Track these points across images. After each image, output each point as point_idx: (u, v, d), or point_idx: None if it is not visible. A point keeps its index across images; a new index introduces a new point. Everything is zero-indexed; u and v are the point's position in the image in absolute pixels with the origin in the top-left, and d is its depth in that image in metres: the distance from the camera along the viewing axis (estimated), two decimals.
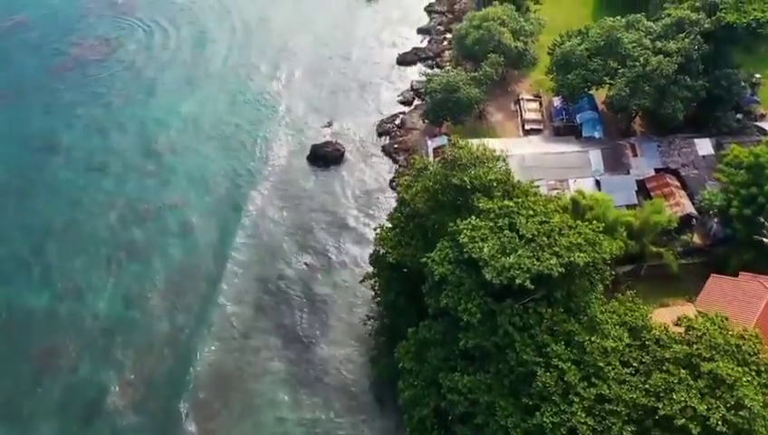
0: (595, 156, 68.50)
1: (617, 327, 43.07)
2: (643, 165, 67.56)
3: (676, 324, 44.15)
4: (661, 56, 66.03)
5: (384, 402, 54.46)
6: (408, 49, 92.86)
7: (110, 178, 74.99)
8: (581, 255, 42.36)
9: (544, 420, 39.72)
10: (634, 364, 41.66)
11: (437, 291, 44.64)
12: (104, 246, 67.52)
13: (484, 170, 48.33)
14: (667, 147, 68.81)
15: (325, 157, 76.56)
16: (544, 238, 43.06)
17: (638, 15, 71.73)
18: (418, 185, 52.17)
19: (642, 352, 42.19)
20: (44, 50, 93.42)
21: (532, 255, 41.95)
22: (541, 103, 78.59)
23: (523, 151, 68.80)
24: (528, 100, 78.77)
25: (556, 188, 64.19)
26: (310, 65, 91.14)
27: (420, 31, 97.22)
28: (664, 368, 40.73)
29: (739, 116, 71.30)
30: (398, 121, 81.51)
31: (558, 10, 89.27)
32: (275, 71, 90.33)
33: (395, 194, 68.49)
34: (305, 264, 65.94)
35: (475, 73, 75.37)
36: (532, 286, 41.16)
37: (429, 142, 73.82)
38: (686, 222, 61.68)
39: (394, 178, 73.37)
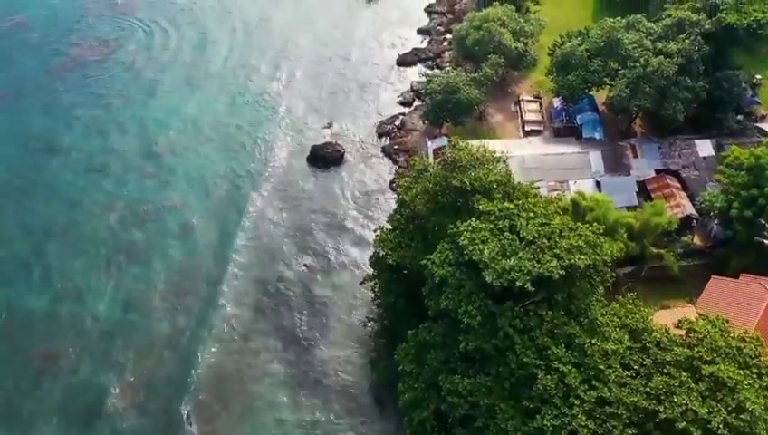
0: (595, 157, 68.44)
1: (617, 330, 42.97)
2: (643, 166, 67.49)
3: (677, 327, 44.04)
4: (662, 57, 65.97)
5: (384, 404, 54.37)
6: (408, 50, 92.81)
7: (109, 179, 74.92)
8: (582, 257, 42.34)
9: (545, 423, 39.62)
10: (635, 367, 41.54)
11: (437, 293, 44.58)
12: (104, 247, 67.44)
13: (485, 172, 48.30)
14: (668, 148, 68.75)
15: (325, 158, 76.48)
16: (545, 240, 43.01)
17: (639, 16, 71.69)
18: (418, 186, 52.11)
19: (643, 354, 42.08)
20: (44, 50, 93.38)
21: (532, 257, 41.93)
22: (541, 104, 78.52)
23: (524, 152, 68.74)
24: (528, 101, 78.71)
25: (556, 190, 64.11)
26: (310, 66, 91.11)
27: (420, 31, 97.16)
28: (665, 371, 40.58)
29: (740, 117, 71.23)
30: (397, 122, 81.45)
31: (558, 11, 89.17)
32: (275, 71, 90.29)
33: (395, 195, 68.34)
34: (305, 265, 65.87)
35: (476, 74, 75.31)
36: (533, 289, 41.10)
37: (429, 143, 73.74)
38: (686, 223, 61.62)
39: (394, 179, 73.29)
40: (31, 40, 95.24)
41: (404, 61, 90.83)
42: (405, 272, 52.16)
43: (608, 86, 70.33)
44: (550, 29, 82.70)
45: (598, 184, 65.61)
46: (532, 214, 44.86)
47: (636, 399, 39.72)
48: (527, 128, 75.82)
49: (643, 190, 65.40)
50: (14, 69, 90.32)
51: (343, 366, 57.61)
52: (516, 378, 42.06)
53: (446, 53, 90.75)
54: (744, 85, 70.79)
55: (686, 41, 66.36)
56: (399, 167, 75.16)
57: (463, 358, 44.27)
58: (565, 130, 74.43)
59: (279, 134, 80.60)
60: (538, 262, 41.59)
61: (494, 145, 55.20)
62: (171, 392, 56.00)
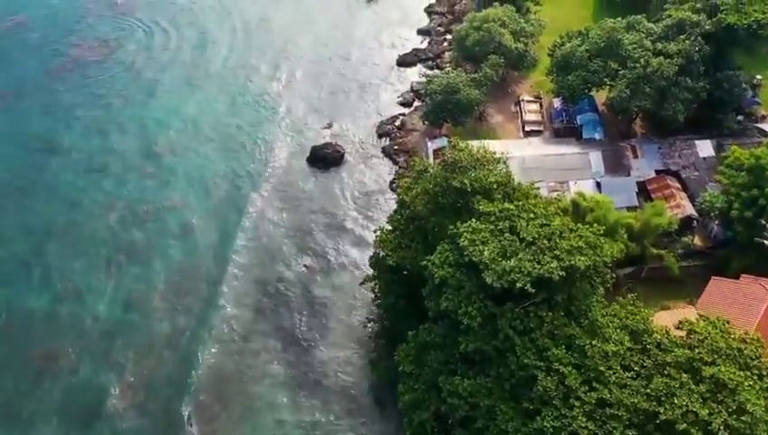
0: (595, 157, 68.40)
1: (618, 331, 42.94)
2: (644, 167, 67.45)
3: (678, 328, 43.97)
4: (662, 58, 65.94)
5: (384, 405, 54.35)
6: (408, 50, 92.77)
7: (109, 179, 74.89)
8: (582, 258, 42.33)
9: (545, 424, 39.61)
10: (635, 368, 41.50)
11: (438, 294, 44.56)
12: (104, 247, 67.44)
13: (485, 173, 48.26)
14: (668, 148, 68.70)
15: (325, 158, 76.43)
16: (545, 241, 42.99)
17: (639, 17, 71.62)
18: (418, 187, 52.06)
19: (643, 356, 42.04)
20: (44, 51, 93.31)
21: (532, 258, 41.92)
22: (541, 105, 78.45)
23: (524, 153, 68.70)
24: (528, 101, 78.64)
25: (556, 190, 64.06)
26: (310, 66, 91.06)
27: (420, 32, 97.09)
28: (665, 372, 40.55)
29: (740, 118, 71.20)
30: (397, 123, 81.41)
31: (558, 11, 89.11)
32: (275, 71, 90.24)
33: (395, 196, 68.32)
34: (305, 266, 65.84)
35: (476, 75, 75.26)
36: (533, 290, 41.09)
37: (429, 144, 73.67)
38: (686, 224, 61.58)
39: (394, 179, 73.26)
40: (31, 40, 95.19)
41: (404, 61, 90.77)
42: (405, 273, 52.16)
43: (608, 87, 70.29)
44: (550, 29, 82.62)
45: (598, 184, 65.55)
46: (532, 215, 44.85)
47: (636, 400, 39.68)
48: (527, 128, 75.77)
49: (643, 191, 65.35)
50: (14, 69, 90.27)
51: (343, 367, 57.60)
52: (516, 379, 42.05)
53: (447, 54, 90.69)
54: (744, 86, 70.81)
55: (687, 41, 66.32)
56: (399, 167, 75.12)
57: (463, 359, 44.27)
58: (565, 130, 74.37)
59: (279, 134, 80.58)
60: (538, 263, 41.57)
61: (494, 145, 55.18)
62: (171, 393, 56.01)
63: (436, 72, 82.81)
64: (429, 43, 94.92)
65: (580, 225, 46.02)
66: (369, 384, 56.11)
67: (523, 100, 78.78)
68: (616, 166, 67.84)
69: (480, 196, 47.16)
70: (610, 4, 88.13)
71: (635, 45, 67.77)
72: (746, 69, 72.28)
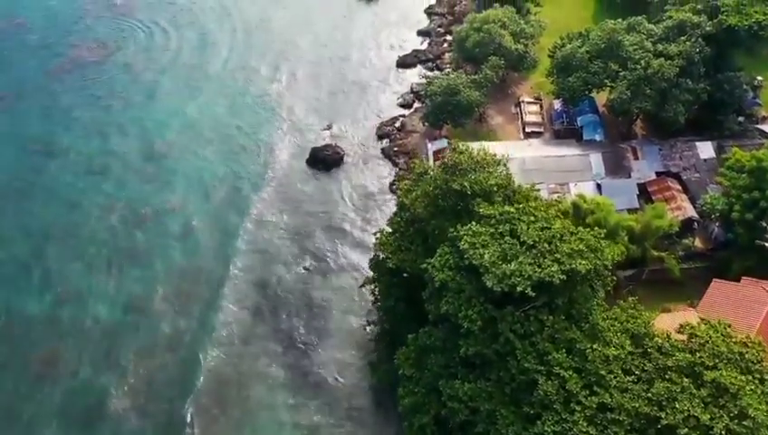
0: (596, 159, 68.28)
1: (619, 335, 42.82)
2: (644, 168, 67.32)
3: (679, 332, 43.82)
4: (662, 59, 65.78)
5: (384, 408, 54.22)
6: (408, 51, 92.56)
7: (109, 181, 74.76)
8: (583, 262, 42.16)
9: (546, 428, 39.52)
10: (636, 372, 41.36)
11: (438, 297, 44.45)
12: (104, 249, 67.41)
13: (485, 175, 48.15)
14: (669, 150, 68.56)
15: (325, 160, 76.29)
16: (545, 245, 42.85)
17: (639, 18, 71.43)
18: (418, 190, 51.97)
19: (644, 360, 41.91)
20: (43, 52, 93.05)
21: (533, 261, 41.78)
22: (541, 106, 78.27)
23: (524, 155, 68.60)
24: (528, 102, 78.49)
25: (557, 192, 63.91)
26: (309, 67, 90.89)
27: (420, 33, 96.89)
28: (666, 376, 40.47)
29: (741, 119, 71.11)
30: (397, 124, 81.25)
31: (558, 12, 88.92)
32: (275, 73, 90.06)
33: (395, 197, 68.32)
34: (305, 268, 65.75)
35: (476, 76, 75.07)
36: (534, 293, 40.92)
37: (429, 145, 73.53)
38: (687, 226, 61.48)
39: (394, 181, 73.14)
40: (30, 41, 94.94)
41: (404, 62, 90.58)
42: (405, 275, 52.02)
43: (608, 88, 70.14)
44: (550, 30, 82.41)
45: (598, 186, 65.44)
46: (532, 218, 44.70)
47: (637, 405, 39.57)
48: (527, 130, 75.63)
49: (644, 193, 65.23)
50: (13, 70, 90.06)
51: (343, 370, 57.57)
52: (517, 383, 41.94)
53: (447, 55, 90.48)
54: (745, 87, 70.69)
55: (687, 43, 66.17)
56: (399, 169, 74.99)
57: (463, 363, 44.16)
58: (566, 132, 74.20)
59: (279, 136, 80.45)
60: (539, 267, 41.42)
61: (494, 147, 55.20)
62: (172, 395, 56.01)
63: (436, 73, 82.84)
64: (429, 44, 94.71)
65: (580, 228, 45.80)
66: (368, 387, 56.05)
67: (523, 101, 78.62)
68: (616, 167, 67.72)
69: (480, 198, 47.03)
70: (611, 6, 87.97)
71: (635, 47, 67.61)
72: (747, 70, 72.13)
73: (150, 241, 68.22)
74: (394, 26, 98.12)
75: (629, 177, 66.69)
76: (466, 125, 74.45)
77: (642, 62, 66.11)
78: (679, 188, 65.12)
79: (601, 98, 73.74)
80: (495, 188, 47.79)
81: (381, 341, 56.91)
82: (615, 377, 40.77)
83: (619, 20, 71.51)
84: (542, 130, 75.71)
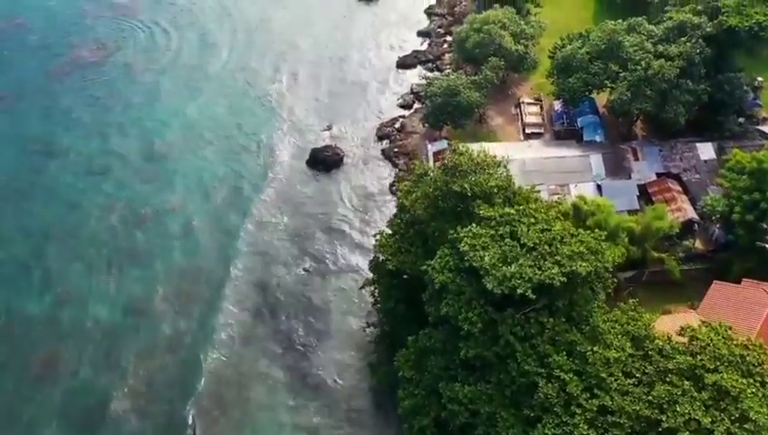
0: (596, 160, 68.20)
1: (619, 337, 42.79)
2: (645, 169, 67.24)
3: (680, 334, 43.75)
4: (663, 60, 65.69)
5: (384, 410, 54.11)
6: (408, 52, 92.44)
7: (109, 181, 74.68)
8: (584, 264, 42.13)
9: (546, 431, 39.52)
10: (637, 375, 41.35)
11: (438, 299, 44.41)
12: (104, 249, 67.37)
13: (485, 177, 48.09)
14: (669, 151, 68.48)
15: (325, 161, 76.21)
16: (546, 247, 42.81)
17: (640, 19, 71.35)
18: (418, 191, 51.89)
19: (645, 362, 41.87)
20: (43, 52, 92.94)
21: (533, 264, 41.75)
22: (541, 107, 78.18)
23: (524, 156, 68.53)
24: (529, 103, 78.40)
25: (557, 193, 63.84)
26: (309, 68, 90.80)
27: (420, 34, 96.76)
28: (667, 379, 40.43)
29: (741, 120, 70.92)
30: (397, 125, 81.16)
31: (558, 13, 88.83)
32: (275, 73, 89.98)
33: (395, 198, 68.27)
34: (305, 269, 65.66)
35: (476, 77, 74.97)
36: (534, 296, 40.89)
37: (429, 146, 73.44)
38: (687, 227, 61.35)
39: (394, 182, 73.06)
40: (30, 42, 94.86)
41: (404, 63, 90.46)
42: (405, 277, 51.98)
43: (608, 89, 70.13)
44: (550, 31, 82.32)
45: (599, 187, 65.37)
46: (533, 220, 44.68)
47: (638, 407, 39.54)
48: (528, 131, 75.53)
49: (644, 194, 65.16)
50: (13, 71, 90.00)
51: (343, 371, 57.48)
52: (517, 386, 41.90)
53: (447, 56, 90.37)
54: (745, 88, 70.54)
55: (688, 43, 66.09)
56: (399, 170, 74.91)
57: (463, 365, 44.15)
58: (566, 132, 74.12)
59: (279, 137, 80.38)
60: (539, 269, 41.40)
61: (494, 148, 55.16)
62: (172, 397, 55.98)
63: (436, 74, 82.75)
64: (429, 44, 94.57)
65: (581, 229, 45.77)
66: (368, 389, 55.96)
67: (523, 102, 78.54)
68: (617, 169, 67.65)
69: (480, 200, 46.97)
70: (611, 6, 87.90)
71: (636, 47, 67.53)
72: (747, 71, 71.99)
73: (150, 241, 68.17)
74: (394, 27, 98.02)
75: (630, 178, 66.60)
76: (466, 126, 74.35)
77: (642, 62, 66.03)
78: (680, 189, 65.05)
79: (602, 99, 73.68)
80: (496, 190, 47.74)
81: (381, 342, 56.90)
82: (616, 380, 40.76)
83: (620, 21, 71.44)
84: (542, 131, 75.61)
